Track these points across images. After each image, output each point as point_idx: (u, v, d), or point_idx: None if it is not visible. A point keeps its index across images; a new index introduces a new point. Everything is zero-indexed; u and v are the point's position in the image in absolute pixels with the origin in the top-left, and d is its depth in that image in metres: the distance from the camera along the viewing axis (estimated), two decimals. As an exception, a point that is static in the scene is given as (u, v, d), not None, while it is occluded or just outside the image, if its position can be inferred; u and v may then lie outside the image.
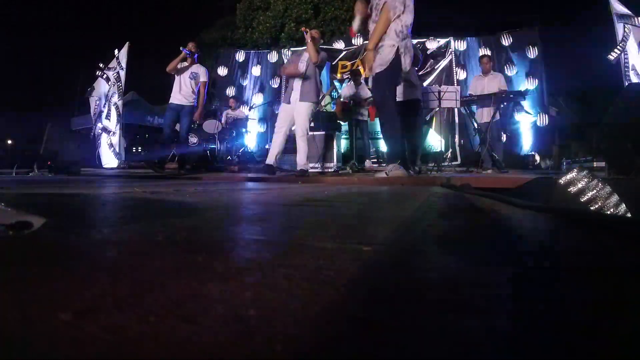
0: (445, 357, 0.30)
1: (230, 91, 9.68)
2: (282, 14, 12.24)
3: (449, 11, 11.07)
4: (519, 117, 7.70)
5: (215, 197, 1.77)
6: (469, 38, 8.55)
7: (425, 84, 7.80)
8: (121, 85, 8.05)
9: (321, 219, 1.11)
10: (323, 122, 5.87)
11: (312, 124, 5.15)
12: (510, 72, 7.94)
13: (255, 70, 9.78)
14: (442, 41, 8.60)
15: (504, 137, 5.48)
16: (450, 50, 8.52)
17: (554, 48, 8.97)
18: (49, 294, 0.42)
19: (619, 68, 5.82)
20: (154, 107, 12.09)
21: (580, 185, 1.82)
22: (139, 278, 0.49)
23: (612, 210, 1.69)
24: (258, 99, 9.61)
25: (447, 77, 8.41)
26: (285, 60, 8.19)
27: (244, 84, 9.87)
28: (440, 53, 8.58)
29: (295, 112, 4.15)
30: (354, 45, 9.00)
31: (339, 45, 9.26)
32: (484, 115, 5.24)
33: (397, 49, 3.20)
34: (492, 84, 5.30)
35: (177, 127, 5.35)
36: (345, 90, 6.66)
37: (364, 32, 3.56)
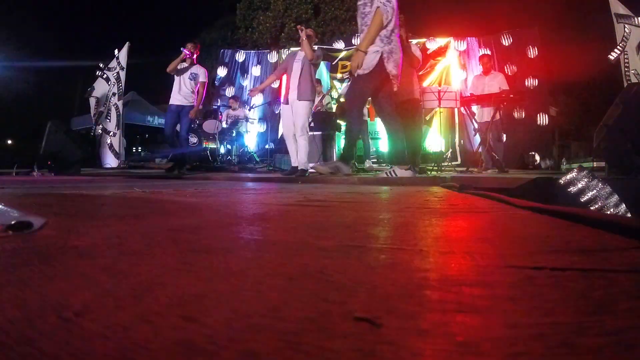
0: (445, 357, 0.30)
1: (230, 91, 9.68)
2: (282, 14, 12.25)
3: (448, 11, 11.08)
4: (518, 117, 7.71)
5: (215, 197, 1.77)
6: (469, 38, 8.55)
7: (425, 84, 7.80)
8: (121, 85, 8.05)
9: (321, 219, 1.11)
10: (323, 122, 5.87)
11: (311, 124, 5.17)
12: (510, 72, 7.94)
13: (255, 70, 9.78)
14: (442, 41, 8.60)
15: (504, 137, 5.48)
16: (450, 50, 8.52)
17: (554, 48, 8.97)
18: (49, 294, 0.42)
19: (619, 68, 5.82)
20: (154, 107, 12.09)
21: (580, 185, 1.82)
22: (139, 278, 0.49)
23: (612, 210, 1.69)
24: (258, 99, 9.61)
25: (447, 77, 8.41)
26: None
27: (244, 84, 9.87)
28: (440, 53, 8.58)
29: (294, 112, 4.18)
30: (354, 45, 9.00)
31: (339, 45, 9.27)
32: (484, 115, 5.24)
33: (381, 55, 3.22)
34: (492, 83, 5.30)
35: (178, 127, 5.37)
36: (345, 90, 6.66)
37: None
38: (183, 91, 5.15)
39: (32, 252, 0.64)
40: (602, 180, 1.84)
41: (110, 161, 8.12)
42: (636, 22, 5.78)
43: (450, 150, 7.88)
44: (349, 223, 1.02)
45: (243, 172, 5.83)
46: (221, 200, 1.62)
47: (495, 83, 5.28)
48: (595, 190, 1.78)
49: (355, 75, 3.31)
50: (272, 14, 12.26)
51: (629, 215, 1.70)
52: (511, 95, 5.05)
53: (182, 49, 5.10)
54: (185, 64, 5.17)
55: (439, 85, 7.89)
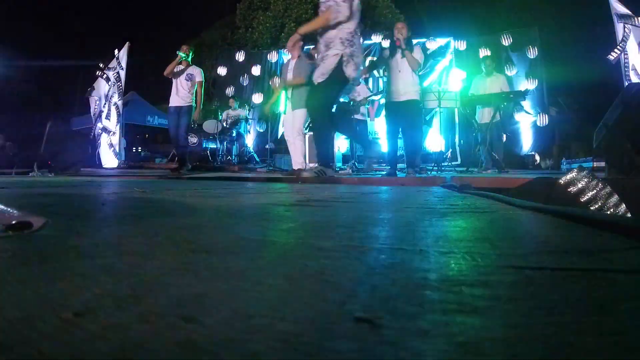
0: (446, 357, 0.30)
1: (230, 91, 9.68)
2: (282, 14, 12.25)
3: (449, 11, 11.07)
4: (518, 117, 7.71)
5: (215, 197, 1.76)
6: (469, 38, 8.55)
7: (425, 84, 7.80)
8: (121, 85, 8.06)
9: (321, 219, 1.11)
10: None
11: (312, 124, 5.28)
12: (510, 72, 7.94)
13: (255, 70, 9.78)
14: (442, 41, 8.60)
15: (504, 137, 5.48)
16: (450, 50, 8.52)
17: (554, 48, 8.96)
18: (49, 294, 0.42)
19: (619, 68, 5.82)
20: (154, 107, 12.09)
21: (580, 185, 1.82)
22: (139, 278, 0.49)
23: (612, 210, 1.69)
24: (258, 99, 9.60)
25: (447, 77, 8.41)
26: (284, 60, 8.20)
27: (244, 84, 9.87)
28: (440, 53, 8.58)
29: (292, 118, 4.42)
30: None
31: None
32: (484, 115, 5.24)
33: (340, 58, 3.18)
34: (494, 85, 5.31)
35: None
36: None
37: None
38: (181, 92, 5.31)
39: (32, 252, 0.64)
40: (602, 180, 1.84)
41: (110, 161, 8.11)
42: (636, 22, 5.77)
43: (450, 150, 7.89)
44: (349, 223, 1.02)
45: (243, 172, 5.84)
46: (221, 200, 1.62)
47: (497, 84, 5.29)
48: (595, 190, 1.78)
49: (316, 83, 3.29)
50: (272, 14, 12.26)
51: (629, 215, 1.70)
52: (511, 96, 5.05)
53: (178, 52, 5.27)
54: (181, 67, 5.33)
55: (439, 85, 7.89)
